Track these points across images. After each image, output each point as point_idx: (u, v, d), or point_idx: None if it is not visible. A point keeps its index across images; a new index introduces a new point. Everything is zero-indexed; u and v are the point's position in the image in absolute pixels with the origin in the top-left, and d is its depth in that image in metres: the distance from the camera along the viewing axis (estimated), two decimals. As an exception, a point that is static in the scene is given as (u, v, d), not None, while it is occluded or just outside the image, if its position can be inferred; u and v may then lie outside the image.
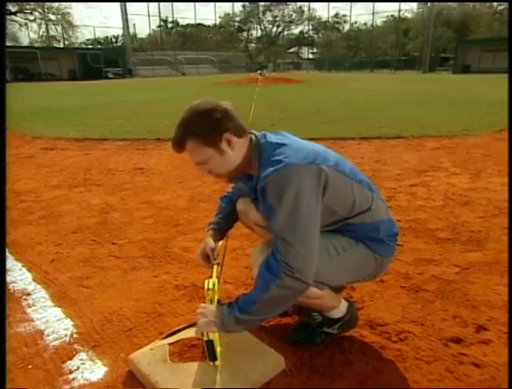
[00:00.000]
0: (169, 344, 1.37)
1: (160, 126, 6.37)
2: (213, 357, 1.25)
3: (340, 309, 1.40)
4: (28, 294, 1.81)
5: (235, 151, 1.22)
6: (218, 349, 1.26)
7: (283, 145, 1.21)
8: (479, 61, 33.55)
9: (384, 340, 1.44)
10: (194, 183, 3.48)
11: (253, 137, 1.27)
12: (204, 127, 1.18)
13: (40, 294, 1.81)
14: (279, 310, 1.22)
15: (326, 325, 1.42)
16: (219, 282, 1.34)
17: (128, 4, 40.82)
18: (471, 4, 49.57)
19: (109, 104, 10.33)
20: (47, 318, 1.63)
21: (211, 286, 1.26)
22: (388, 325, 1.52)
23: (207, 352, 1.25)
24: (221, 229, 1.56)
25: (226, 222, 1.57)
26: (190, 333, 1.42)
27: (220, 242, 1.53)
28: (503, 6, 47.11)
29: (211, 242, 1.47)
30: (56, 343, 1.48)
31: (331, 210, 1.23)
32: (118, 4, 40.22)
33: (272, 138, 1.25)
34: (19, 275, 1.98)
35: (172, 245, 2.31)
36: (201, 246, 1.47)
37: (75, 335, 1.52)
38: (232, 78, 24.48)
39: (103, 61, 36.77)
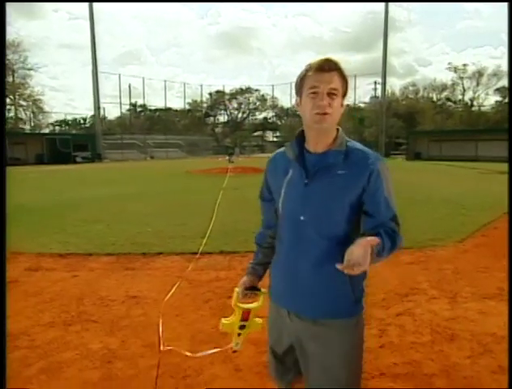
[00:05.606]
0: None
1: (143, 235, 6.46)
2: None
3: None
4: None
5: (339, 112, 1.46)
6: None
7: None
8: (428, 150, 37.07)
9: None
10: (191, 317, 3.54)
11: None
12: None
13: None
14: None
15: None
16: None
17: (101, 89, 42.64)
18: (415, 97, 55.83)
19: (84, 202, 10.35)
20: None
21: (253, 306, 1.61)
22: None
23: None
24: (258, 274, 1.71)
25: (262, 266, 1.72)
26: None
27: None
28: (441, 101, 53.47)
29: (244, 281, 1.65)
30: None
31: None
32: (91, 88, 41.94)
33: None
34: None
35: (185, 409, 2.32)
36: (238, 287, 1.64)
37: None
38: (200, 162, 25.35)
39: (72, 145, 37.17)
